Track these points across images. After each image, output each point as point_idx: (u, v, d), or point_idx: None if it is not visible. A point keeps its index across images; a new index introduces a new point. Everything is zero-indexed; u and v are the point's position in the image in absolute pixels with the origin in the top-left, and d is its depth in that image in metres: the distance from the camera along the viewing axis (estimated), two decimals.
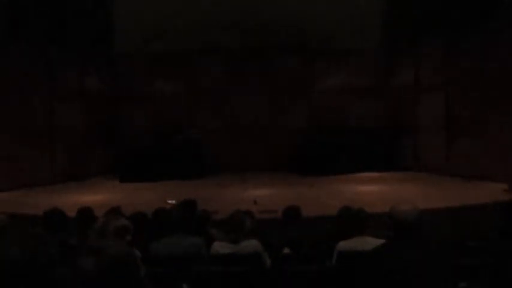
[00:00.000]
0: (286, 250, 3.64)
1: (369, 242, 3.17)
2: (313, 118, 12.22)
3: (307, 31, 11.86)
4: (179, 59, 12.14)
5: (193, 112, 12.20)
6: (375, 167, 10.85)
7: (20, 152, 9.39)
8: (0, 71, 9.07)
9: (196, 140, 11.17)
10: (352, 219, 3.50)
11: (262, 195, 8.08)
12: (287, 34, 11.92)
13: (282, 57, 12.12)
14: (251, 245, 3.34)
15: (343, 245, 3.31)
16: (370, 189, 8.78)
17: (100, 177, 11.00)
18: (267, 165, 11.61)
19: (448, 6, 9.85)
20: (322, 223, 5.37)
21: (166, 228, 3.74)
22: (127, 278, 1.44)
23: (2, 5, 9.13)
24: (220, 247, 3.37)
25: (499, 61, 8.74)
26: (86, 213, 4.07)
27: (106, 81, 12.15)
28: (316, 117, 12.16)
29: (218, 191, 8.81)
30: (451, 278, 2.34)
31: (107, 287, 1.40)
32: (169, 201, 7.25)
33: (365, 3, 11.78)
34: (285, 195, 8.05)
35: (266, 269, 3.26)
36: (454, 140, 10.19)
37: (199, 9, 11.71)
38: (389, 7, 11.81)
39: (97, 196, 8.33)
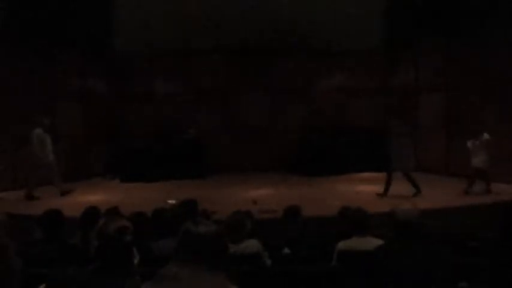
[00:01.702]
0: (286, 250, 3.64)
1: (369, 242, 3.17)
2: (313, 118, 12.21)
3: (307, 31, 11.86)
4: (179, 59, 12.15)
5: (193, 112, 12.20)
6: (375, 167, 10.83)
7: (20, 152, 9.38)
8: (0, 71, 9.08)
9: (196, 140, 11.17)
10: (352, 219, 3.50)
11: (263, 196, 8.09)
12: (287, 34, 11.91)
13: (282, 57, 12.12)
14: (251, 245, 3.33)
15: (343, 245, 3.31)
16: (370, 189, 8.78)
17: (100, 177, 10.99)
18: (267, 165, 11.62)
19: (448, 7, 9.86)
20: (322, 223, 5.37)
21: (166, 228, 3.73)
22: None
23: (1, 5, 9.13)
24: None
25: (498, 61, 8.75)
26: (91, 213, 4.09)
27: (106, 81, 12.15)
28: (316, 117, 12.16)
29: (218, 191, 8.81)
30: (451, 278, 2.34)
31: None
32: (169, 201, 7.25)
33: (365, 3, 11.78)
34: (285, 195, 8.05)
35: (266, 269, 3.26)
36: (454, 140, 10.19)
37: (200, 9, 11.71)
38: (389, 7, 11.81)
39: (97, 196, 8.33)
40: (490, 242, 3.22)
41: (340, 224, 3.94)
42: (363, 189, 8.79)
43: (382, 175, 9.61)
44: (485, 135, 7.86)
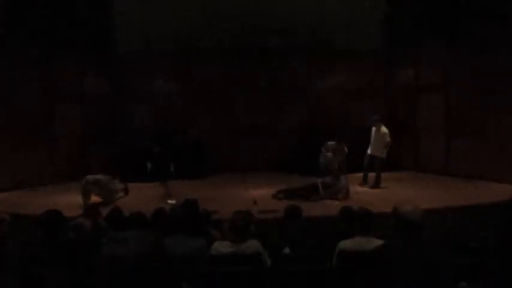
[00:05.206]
0: (286, 250, 3.64)
1: (369, 242, 3.17)
2: (313, 118, 12.20)
3: (307, 31, 11.85)
4: (179, 59, 12.13)
5: (194, 112, 12.19)
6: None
7: (20, 152, 9.39)
8: (0, 70, 9.08)
9: (196, 140, 11.15)
10: (357, 219, 3.49)
11: (262, 195, 8.09)
12: (287, 34, 11.91)
13: (283, 57, 12.10)
14: (251, 245, 3.33)
15: (344, 244, 3.31)
16: (370, 190, 8.79)
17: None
18: (267, 165, 11.61)
19: (448, 6, 9.85)
20: (322, 223, 5.37)
21: (166, 228, 3.73)
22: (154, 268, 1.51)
23: (2, 4, 9.13)
24: (221, 247, 3.37)
25: (498, 61, 8.75)
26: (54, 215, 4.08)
27: (106, 81, 12.14)
28: (317, 117, 12.15)
29: (218, 191, 8.81)
30: (451, 278, 2.34)
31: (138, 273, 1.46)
32: (170, 201, 7.26)
33: (365, 3, 11.78)
34: None
35: (266, 269, 3.26)
36: (454, 140, 10.19)
37: (200, 9, 11.71)
38: (389, 7, 11.81)
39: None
40: (490, 242, 3.22)
41: (341, 223, 3.94)
42: (363, 190, 8.80)
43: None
44: (331, 143, 8.80)
